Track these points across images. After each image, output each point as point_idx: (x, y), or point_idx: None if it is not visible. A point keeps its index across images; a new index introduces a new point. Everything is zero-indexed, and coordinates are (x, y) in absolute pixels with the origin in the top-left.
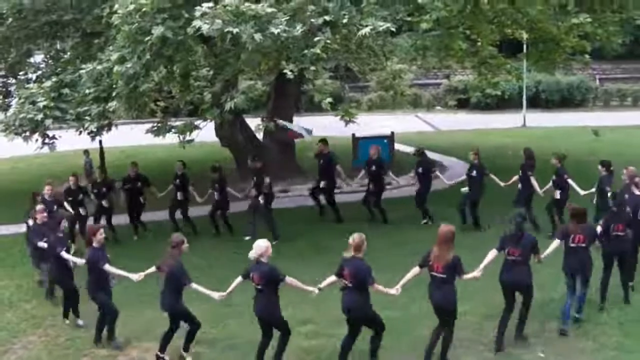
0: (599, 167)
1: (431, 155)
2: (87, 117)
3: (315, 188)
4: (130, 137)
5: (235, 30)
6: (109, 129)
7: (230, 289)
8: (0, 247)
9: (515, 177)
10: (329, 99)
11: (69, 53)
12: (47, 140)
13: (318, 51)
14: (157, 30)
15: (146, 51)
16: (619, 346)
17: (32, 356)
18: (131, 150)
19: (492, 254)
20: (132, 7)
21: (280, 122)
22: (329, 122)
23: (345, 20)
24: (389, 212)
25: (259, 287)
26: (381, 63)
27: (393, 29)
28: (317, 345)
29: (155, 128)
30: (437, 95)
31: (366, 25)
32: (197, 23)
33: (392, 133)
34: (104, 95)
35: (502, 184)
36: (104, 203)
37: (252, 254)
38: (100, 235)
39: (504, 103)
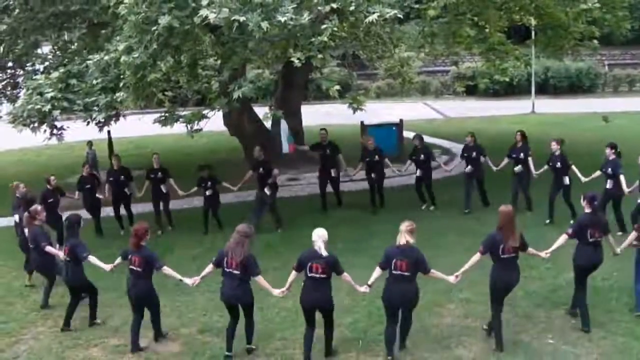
0: (607, 150)
1: (440, 142)
2: (94, 108)
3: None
4: (138, 127)
5: (242, 19)
6: (117, 120)
7: (289, 281)
8: (8, 238)
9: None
10: (337, 87)
11: (76, 44)
12: (55, 131)
13: (325, 39)
14: (164, 20)
15: (153, 41)
16: (628, 332)
17: (43, 347)
18: (139, 140)
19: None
20: None
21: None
22: (337, 109)
23: (352, 8)
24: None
25: (323, 276)
26: (389, 50)
27: (401, 16)
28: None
29: (163, 118)
30: (445, 83)
31: (374, 12)
32: (203, 12)
33: (401, 120)
34: (111, 86)
35: (494, 168)
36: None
37: (319, 243)
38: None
39: (513, 90)
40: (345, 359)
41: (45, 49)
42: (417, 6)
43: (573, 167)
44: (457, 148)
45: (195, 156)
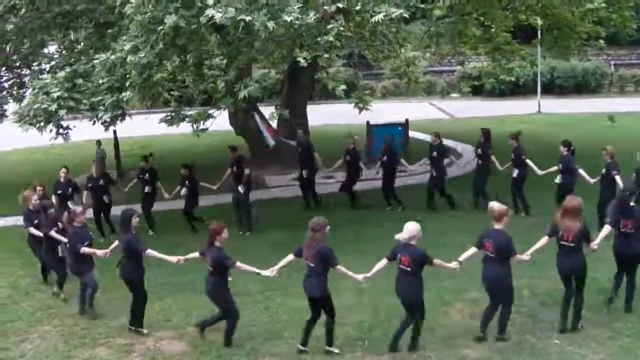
0: (561, 147)
1: (446, 142)
2: (101, 107)
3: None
4: (144, 127)
5: (248, 19)
6: (123, 119)
7: (373, 270)
8: (15, 237)
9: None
10: (343, 86)
11: (82, 43)
12: (61, 131)
13: (331, 39)
14: (170, 20)
15: (159, 40)
16: (634, 332)
17: (49, 346)
18: (145, 140)
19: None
20: None
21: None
22: (343, 109)
23: (358, 7)
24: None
25: (408, 269)
26: (395, 50)
27: (406, 16)
28: None
29: (169, 117)
30: (451, 82)
31: (379, 12)
32: (210, 12)
33: (407, 120)
34: (117, 85)
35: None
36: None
37: (403, 236)
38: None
39: (519, 89)
40: (351, 359)
41: (52, 48)
42: (422, 6)
43: (528, 160)
44: (463, 148)
45: (201, 156)
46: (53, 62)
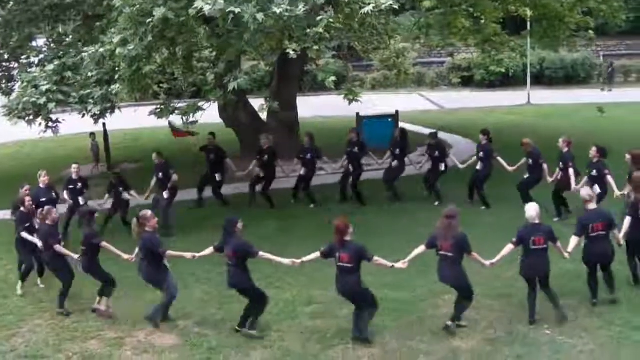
0: (481, 136)
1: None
2: (90, 100)
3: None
4: (133, 119)
5: (237, 10)
6: (113, 112)
7: (502, 255)
8: (2, 232)
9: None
10: (333, 78)
11: (70, 36)
12: (50, 124)
13: (321, 30)
14: (159, 12)
15: (148, 33)
16: (625, 323)
17: (40, 340)
18: (135, 132)
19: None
20: None
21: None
22: (333, 101)
23: None
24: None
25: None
26: (384, 42)
27: (396, 7)
28: (322, 325)
29: (159, 110)
30: (440, 74)
31: (369, 3)
32: (198, 4)
33: (397, 112)
34: (106, 78)
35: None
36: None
37: (533, 216)
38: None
39: (508, 81)
40: (343, 350)
41: (40, 41)
42: None
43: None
44: (453, 139)
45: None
46: (42, 55)
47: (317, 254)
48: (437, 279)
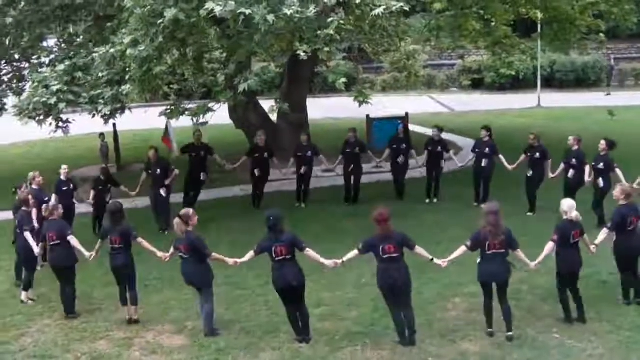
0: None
1: (445, 136)
2: (100, 101)
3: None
4: (144, 120)
5: (248, 12)
6: (123, 112)
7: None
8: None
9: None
10: (343, 80)
11: (81, 37)
12: (60, 124)
13: (331, 32)
14: (170, 13)
15: (159, 34)
16: (634, 327)
17: (49, 340)
18: (145, 133)
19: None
20: None
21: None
22: (343, 103)
23: (358, 1)
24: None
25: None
26: (395, 44)
27: (406, 9)
28: (331, 327)
29: (169, 111)
30: (451, 76)
31: (380, 5)
32: (209, 5)
33: (407, 114)
34: (117, 79)
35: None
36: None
37: (569, 211)
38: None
39: (519, 83)
40: (352, 352)
41: (51, 42)
42: None
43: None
44: (464, 142)
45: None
46: (52, 56)
47: (356, 251)
48: (483, 279)
